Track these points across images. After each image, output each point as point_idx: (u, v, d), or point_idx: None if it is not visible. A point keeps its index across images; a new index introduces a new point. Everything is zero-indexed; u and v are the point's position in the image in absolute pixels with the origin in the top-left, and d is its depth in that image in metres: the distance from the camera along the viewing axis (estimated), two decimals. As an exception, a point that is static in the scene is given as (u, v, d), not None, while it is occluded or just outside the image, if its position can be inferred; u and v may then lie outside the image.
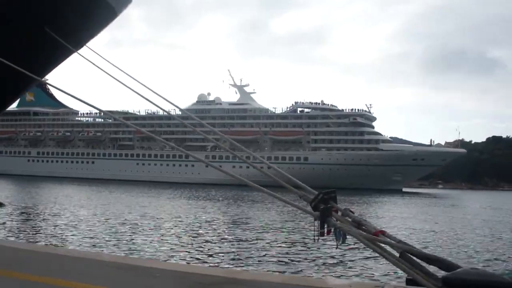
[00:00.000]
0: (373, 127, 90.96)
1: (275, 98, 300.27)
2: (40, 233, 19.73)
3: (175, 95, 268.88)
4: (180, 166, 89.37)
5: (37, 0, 18.94)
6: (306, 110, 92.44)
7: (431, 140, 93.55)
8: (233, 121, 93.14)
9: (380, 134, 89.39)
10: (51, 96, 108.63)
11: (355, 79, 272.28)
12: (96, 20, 23.62)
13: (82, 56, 21.96)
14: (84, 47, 23.32)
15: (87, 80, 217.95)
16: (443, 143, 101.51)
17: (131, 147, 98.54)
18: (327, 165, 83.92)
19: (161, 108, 10.01)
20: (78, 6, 20.03)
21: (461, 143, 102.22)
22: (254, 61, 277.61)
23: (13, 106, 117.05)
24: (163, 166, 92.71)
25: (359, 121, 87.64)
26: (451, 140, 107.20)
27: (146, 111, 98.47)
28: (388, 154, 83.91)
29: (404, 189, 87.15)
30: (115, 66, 19.03)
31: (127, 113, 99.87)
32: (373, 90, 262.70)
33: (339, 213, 4.63)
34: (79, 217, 25.57)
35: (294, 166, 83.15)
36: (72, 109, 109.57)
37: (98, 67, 18.55)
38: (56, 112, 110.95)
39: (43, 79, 32.54)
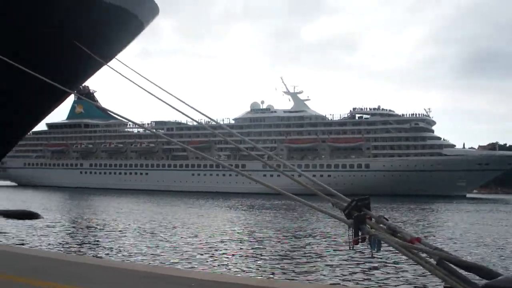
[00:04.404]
0: (433, 131, 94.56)
1: (314, 104, 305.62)
2: (89, 244, 21.03)
3: (205, 103, 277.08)
4: (237, 175, 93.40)
5: (66, 15, 23.52)
6: (364, 116, 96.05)
7: (463, 144, 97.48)
8: (289, 129, 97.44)
9: (443, 139, 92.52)
10: (101, 107, 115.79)
11: (385, 84, 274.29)
12: (124, 33, 28.36)
13: (112, 68, 26.57)
14: (114, 59, 28.01)
15: (118, 91, 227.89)
16: (476, 147, 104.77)
17: (185, 158, 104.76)
18: (388, 172, 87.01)
19: (210, 118, 10.63)
20: (106, 20, 24.67)
21: (497, 146, 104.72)
22: (285, 69, 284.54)
23: (64, 118, 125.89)
24: (218, 176, 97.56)
25: (421, 126, 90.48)
26: (484, 143, 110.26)
27: (199, 120, 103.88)
28: (452, 159, 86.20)
29: (468, 195, 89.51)
30: (144, 77, 23.44)
31: (179, 123, 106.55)
32: (403, 95, 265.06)
33: (373, 220, 4.77)
34: (129, 228, 27.36)
35: (355, 174, 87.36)
36: (122, 120, 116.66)
37: (128, 79, 22.85)
38: (106, 124, 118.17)
39: (74, 92, 37.25)
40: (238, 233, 26.86)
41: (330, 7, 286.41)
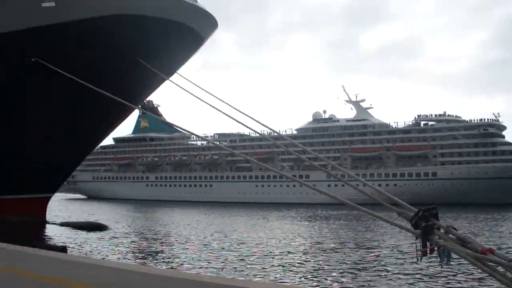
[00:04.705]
0: (504, 137, 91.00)
1: (377, 112, 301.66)
2: (155, 255, 21.47)
3: (266, 115, 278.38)
4: (301, 186, 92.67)
5: (127, 32, 24.11)
6: (430, 123, 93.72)
7: None
8: (352, 138, 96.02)
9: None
10: (165, 122, 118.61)
11: (449, 89, 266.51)
12: (185, 48, 28.98)
13: (174, 83, 27.20)
14: (175, 74, 28.62)
15: (181, 105, 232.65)
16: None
17: (248, 169, 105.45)
18: (457, 180, 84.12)
19: (272, 130, 11.21)
20: (167, 35, 25.22)
21: None
22: (345, 78, 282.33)
23: (129, 132, 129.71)
24: (282, 187, 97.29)
25: (490, 132, 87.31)
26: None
27: (262, 131, 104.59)
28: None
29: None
30: (205, 91, 23.86)
31: (242, 135, 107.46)
32: (469, 100, 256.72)
33: (442, 231, 4.62)
34: (194, 239, 27.76)
35: (422, 182, 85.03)
36: (186, 133, 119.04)
37: (189, 92, 23.34)
38: (171, 137, 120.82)
39: (138, 107, 38.19)
40: (302, 244, 26.90)
41: (389, 13, 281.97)
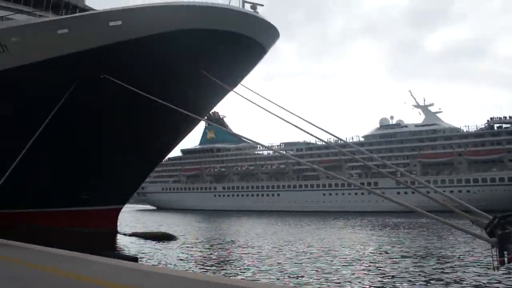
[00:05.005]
0: None
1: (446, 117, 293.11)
2: (224, 265, 21.51)
3: (331, 122, 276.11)
4: (369, 194, 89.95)
5: (191, 46, 24.36)
6: (504, 125, 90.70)
7: None
8: (422, 143, 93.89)
9: None
10: (232, 133, 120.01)
11: None
12: (247, 59, 28.96)
13: (238, 94, 27.23)
14: (239, 84, 28.69)
15: (246, 115, 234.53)
16: None
17: (315, 178, 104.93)
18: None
19: (338, 138, 11.06)
20: (230, 48, 25.32)
21: None
22: (410, 82, 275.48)
23: (196, 144, 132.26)
24: (350, 195, 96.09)
25: None
26: None
27: (328, 139, 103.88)
28: None
29: None
30: (269, 100, 23.73)
31: (309, 143, 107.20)
32: None
33: None
34: (263, 249, 27.61)
35: (497, 188, 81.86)
36: (251, 143, 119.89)
37: (253, 103, 23.27)
38: (237, 148, 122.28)
39: (204, 118, 38.53)
40: (371, 253, 26.48)
41: (454, 13, 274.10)
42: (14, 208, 29.60)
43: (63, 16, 27.98)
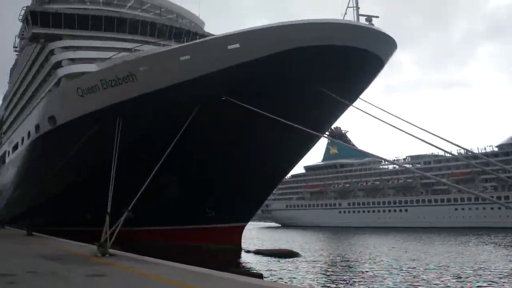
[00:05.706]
0: None
1: None
2: (348, 285, 20.94)
3: (458, 133, 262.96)
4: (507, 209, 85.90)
5: (311, 63, 23.89)
6: None
7: None
8: None
9: None
10: (357, 149, 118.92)
11: None
12: (366, 73, 27.99)
13: (358, 108, 26.45)
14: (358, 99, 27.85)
15: (368, 129, 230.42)
16: None
17: (446, 192, 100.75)
18: None
19: (465, 149, 10.31)
20: (348, 63, 24.59)
21: None
22: None
23: (319, 160, 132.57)
24: (486, 210, 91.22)
25: None
26: None
27: (458, 151, 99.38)
28: None
29: None
30: (389, 113, 22.74)
31: (437, 155, 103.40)
32: None
33: None
34: (391, 268, 26.63)
35: None
36: (376, 157, 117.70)
37: (374, 116, 22.46)
38: (361, 163, 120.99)
39: (324, 135, 37.69)
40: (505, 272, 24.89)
41: None
42: (139, 226, 31.15)
43: (185, 44, 29.51)
